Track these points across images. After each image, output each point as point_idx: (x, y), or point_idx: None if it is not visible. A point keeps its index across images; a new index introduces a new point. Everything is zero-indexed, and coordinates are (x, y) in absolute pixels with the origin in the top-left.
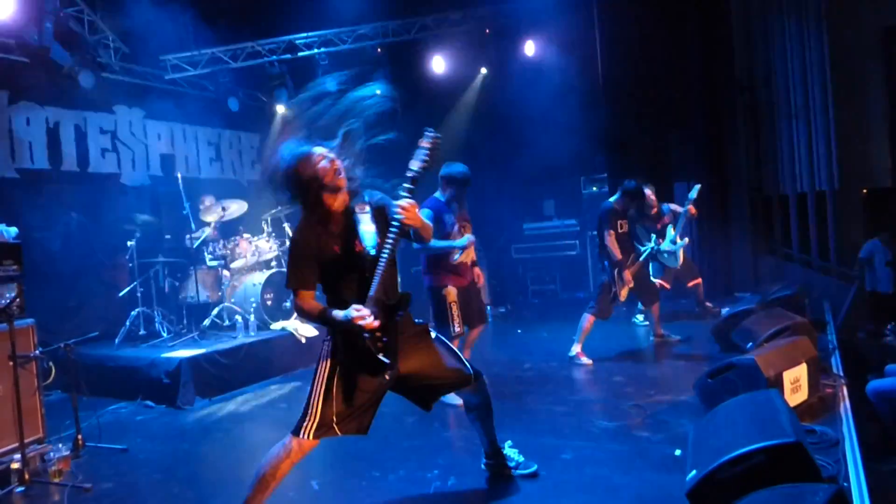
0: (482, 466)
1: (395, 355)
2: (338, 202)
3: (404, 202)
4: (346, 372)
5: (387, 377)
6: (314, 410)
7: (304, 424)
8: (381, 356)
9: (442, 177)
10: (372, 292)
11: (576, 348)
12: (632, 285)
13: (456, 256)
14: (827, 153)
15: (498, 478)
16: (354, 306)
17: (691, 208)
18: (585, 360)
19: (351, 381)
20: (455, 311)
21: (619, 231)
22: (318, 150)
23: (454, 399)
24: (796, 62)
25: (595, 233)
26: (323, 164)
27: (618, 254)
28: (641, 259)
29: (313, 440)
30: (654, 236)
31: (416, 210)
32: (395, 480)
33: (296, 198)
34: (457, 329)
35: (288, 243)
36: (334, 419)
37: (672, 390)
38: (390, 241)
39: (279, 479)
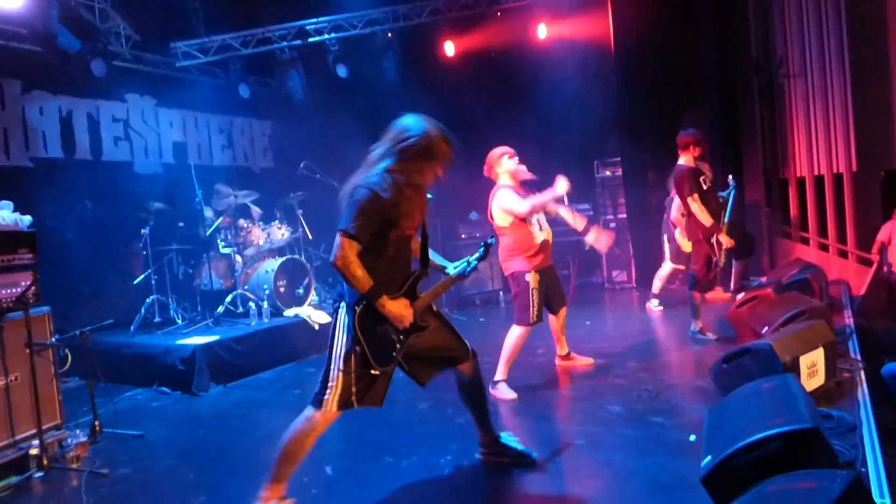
0: (478, 456)
1: (403, 349)
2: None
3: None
4: (362, 347)
5: (395, 358)
6: (335, 383)
7: (325, 397)
8: (395, 354)
9: None
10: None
11: (696, 324)
12: (731, 245)
13: (538, 238)
14: (845, 134)
15: (500, 466)
16: (406, 312)
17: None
18: (710, 334)
19: (366, 356)
20: (536, 298)
21: (704, 189)
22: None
23: (509, 393)
24: (814, 40)
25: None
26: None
27: (708, 219)
28: (730, 208)
29: (335, 412)
30: (730, 177)
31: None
32: (408, 466)
33: (410, 158)
34: (533, 318)
35: (363, 193)
36: (353, 390)
37: (687, 375)
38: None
39: (305, 452)
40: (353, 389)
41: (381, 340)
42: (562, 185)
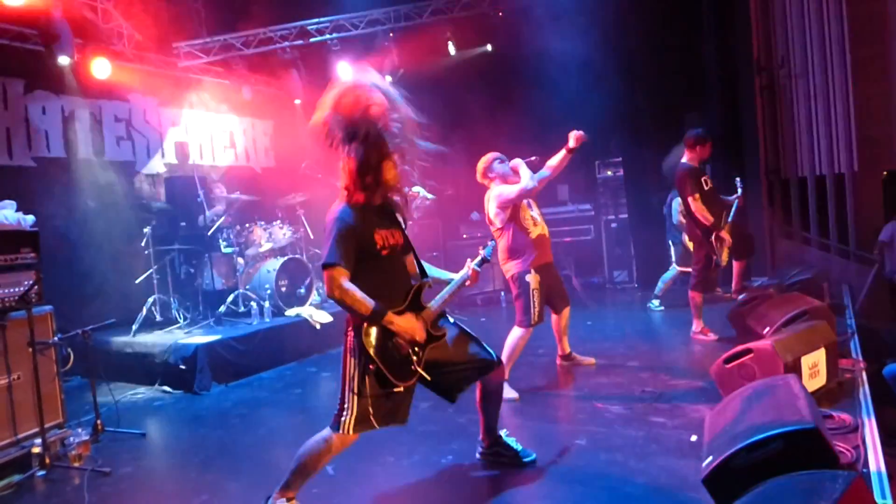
0: (477, 456)
1: (422, 361)
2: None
3: (475, 273)
4: (377, 365)
5: (416, 370)
6: (350, 405)
7: (343, 420)
8: (414, 367)
9: None
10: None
11: (698, 325)
12: (731, 243)
13: (533, 232)
14: (846, 134)
15: (500, 465)
16: (416, 325)
17: (740, 199)
18: (711, 335)
19: (382, 376)
20: (537, 299)
21: (706, 189)
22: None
23: (510, 393)
24: (816, 41)
25: (666, 210)
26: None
27: (707, 218)
28: (733, 210)
29: (353, 435)
30: (737, 179)
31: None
32: (409, 465)
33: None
34: (535, 319)
35: (333, 225)
36: (371, 412)
37: (688, 375)
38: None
39: (319, 470)
40: (371, 411)
41: (396, 355)
42: (515, 161)
